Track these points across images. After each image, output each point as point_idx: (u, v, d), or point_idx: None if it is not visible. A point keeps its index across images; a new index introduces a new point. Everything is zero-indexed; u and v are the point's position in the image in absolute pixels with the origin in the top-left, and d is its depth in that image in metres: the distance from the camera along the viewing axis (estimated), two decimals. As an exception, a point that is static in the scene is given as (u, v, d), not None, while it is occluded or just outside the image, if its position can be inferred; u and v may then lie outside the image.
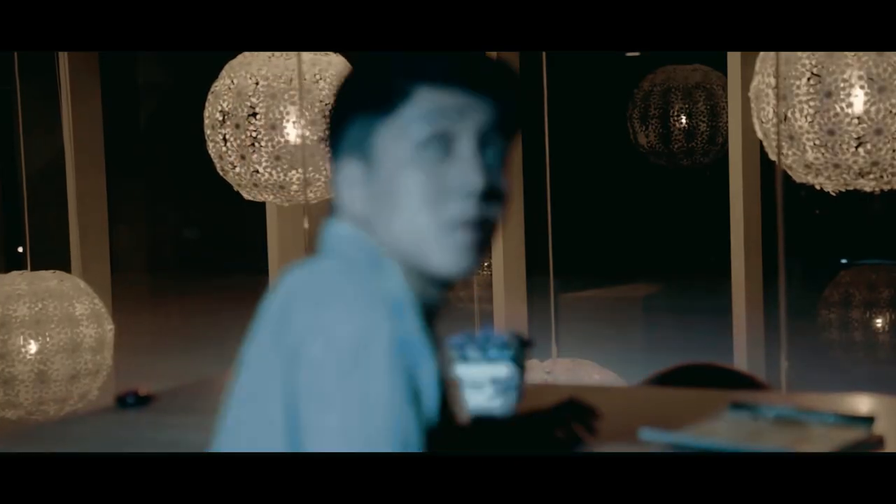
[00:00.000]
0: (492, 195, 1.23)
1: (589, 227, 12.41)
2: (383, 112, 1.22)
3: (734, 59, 5.55)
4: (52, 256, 5.82)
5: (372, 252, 1.24)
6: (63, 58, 6.18)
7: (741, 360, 5.43)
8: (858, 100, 3.26)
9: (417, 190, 1.21)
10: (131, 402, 2.18)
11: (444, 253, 1.22)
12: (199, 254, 13.59)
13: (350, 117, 1.25)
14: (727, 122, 6.34)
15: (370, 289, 1.16)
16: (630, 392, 2.35)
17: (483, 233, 1.23)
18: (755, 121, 3.56)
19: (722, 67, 6.37)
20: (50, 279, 4.37)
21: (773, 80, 3.35)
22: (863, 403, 2.06)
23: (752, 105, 3.55)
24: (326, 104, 3.92)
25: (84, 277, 5.24)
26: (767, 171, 4.62)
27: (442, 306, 1.29)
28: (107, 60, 6.77)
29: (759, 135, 3.60)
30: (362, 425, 1.10)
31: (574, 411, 1.75)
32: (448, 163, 1.22)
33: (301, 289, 1.19)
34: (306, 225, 4.04)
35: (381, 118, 1.22)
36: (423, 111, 1.21)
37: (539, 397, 1.84)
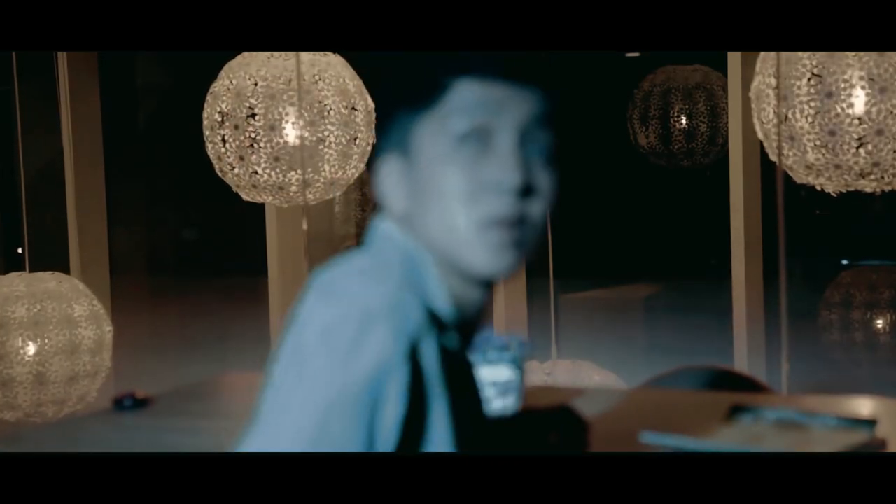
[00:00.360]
0: (530, 192, 1.20)
1: (589, 227, 12.39)
2: (423, 106, 1.20)
3: (734, 59, 5.54)
4: (51, 258, 5.81)
5: (407, 251, 1.22)
6: (62, 58, 6.18)
7: (741, 361, 5.42)
8: (859, 100, 3.25)
9: (453, 186, 1.18)
10: (128, 405, 2.16)
11: (480, 251, 1.19)
12: (198, 255, 13.59)
13: (392, 113, 1.24)
14: (727, 122, 6.33)
15: (375, 293, 1.14)
16: (630, 395, 2.33)
17: (521, 231, 1.19)
18: (756, 121, 3.55)
19: (722, 68, 6.35)
20: (48, 280, 4.36)
21: (773, 81, 3.33)
22: (865, 406, 2.05)
23: (753, 106, 3.54)
24: (325, 105, 3.91)
25: (83, 279, 5.23)
26: (768, 171, 4.61)
27: (483, 308, 1.26)
28: (106, 61, 6.76)
29: (760, 135, 3.59)
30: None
31: (565, 421, 1.72)
32: (486, 158, 1.19)
33: (316, 282, 1.19)
34: (305, 226, 4.03)
35: (421, 113, 1.20)
36: (463, 104, 1.19)
37: (539, 400, 1.82)
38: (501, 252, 1.19)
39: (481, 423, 1.23)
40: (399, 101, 1.23)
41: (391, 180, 1.23)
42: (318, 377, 1.08)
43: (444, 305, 1.20)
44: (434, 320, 1.17)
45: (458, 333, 1.22)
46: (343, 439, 1.07)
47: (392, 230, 1.24)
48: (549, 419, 1.70)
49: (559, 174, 1.24)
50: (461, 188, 1.18)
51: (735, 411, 1.91)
